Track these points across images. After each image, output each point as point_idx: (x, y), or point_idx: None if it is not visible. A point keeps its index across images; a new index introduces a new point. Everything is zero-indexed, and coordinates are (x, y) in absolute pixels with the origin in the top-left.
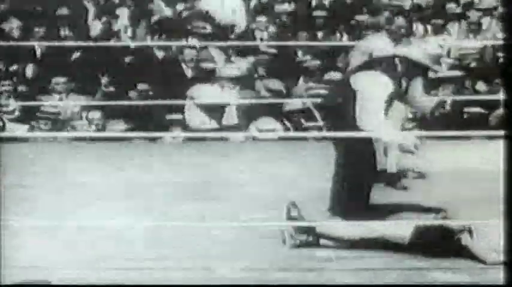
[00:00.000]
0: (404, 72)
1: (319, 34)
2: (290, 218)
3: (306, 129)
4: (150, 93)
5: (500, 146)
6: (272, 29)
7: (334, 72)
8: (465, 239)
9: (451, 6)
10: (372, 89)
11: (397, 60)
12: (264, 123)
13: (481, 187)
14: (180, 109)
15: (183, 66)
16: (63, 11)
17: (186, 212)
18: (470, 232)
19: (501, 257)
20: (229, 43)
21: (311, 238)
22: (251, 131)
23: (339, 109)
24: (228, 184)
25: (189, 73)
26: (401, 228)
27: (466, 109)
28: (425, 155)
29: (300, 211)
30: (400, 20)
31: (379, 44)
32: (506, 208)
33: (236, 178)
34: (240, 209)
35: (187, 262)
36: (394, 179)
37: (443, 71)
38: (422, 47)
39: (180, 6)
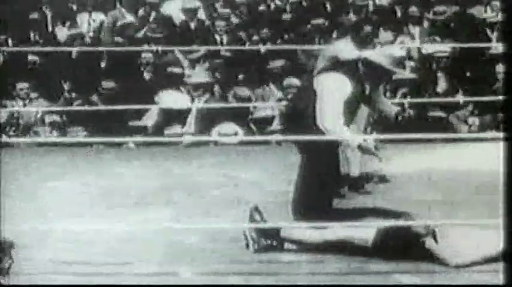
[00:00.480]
0: (368, 75)
1: (286, 37)
2: (253, 222)
3: (269, 133)
4: (113, 98)
5: (464, 148)
6: (231, 31)
7: (294, 78)
8: (429, 242)
9: (414, 10)
10: (331, 89)
11: (359, 63)
12: (225, 128)
13: (446, 189)
14: (143, 114)
15: (146, 71)
16: (34, 15)
17: (148, 217)
18: (434, 235)
19: (465, 260)
20: (191, 47)
21: (275, 242)
22: (213, 136)
23: (303, 113)
24: (190, 188)
25: (152, 78)
26: (364, 231)
27: (430, 113)
28: (391, 159)
29: (262, 215)
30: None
31: (344, 49)
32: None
33: (199, 182)
34: (202, 213)
35: (151, 267)
36: (357, 183)
37: (407, 75)
38: (386, 50)
39: (141, 12)
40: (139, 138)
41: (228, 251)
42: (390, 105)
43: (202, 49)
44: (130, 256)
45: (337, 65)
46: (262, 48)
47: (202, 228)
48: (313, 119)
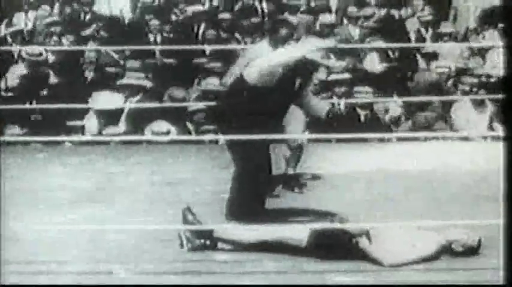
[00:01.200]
0: (296, 67)
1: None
2: (187, 222)
3: (203, 132)
4: (50, 98)
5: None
6: (167, 31)
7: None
8: (362, 242)
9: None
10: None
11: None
12: (158, 126)
13: (378, 189)
14: (79, 114)
15: (85, 71)
16: None
17: (82, 216)
18: (367, 235)
19: (399, 260)
20: (126, 47)
21: (208, 242)
22: (146, 135)
23: (234, 113)
24: (124, 187)
25: (89, 78)
26: (298, 231)
27: (361, 111)
28: (325, 158)
29: (195, 215)
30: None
31: (261, 52)
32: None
33: (133, 182)
34: (136, 212)
35: (85, 266)
36: (291, 182)
37: (335, 65)
38: (312, 42)
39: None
40: (75, 138)
41: (162, 251)
42: (321, 104)
43: (136, 48)
44: (64, 255)
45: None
46: (200, 47)
47: (135, 227)
48: (249, 122)
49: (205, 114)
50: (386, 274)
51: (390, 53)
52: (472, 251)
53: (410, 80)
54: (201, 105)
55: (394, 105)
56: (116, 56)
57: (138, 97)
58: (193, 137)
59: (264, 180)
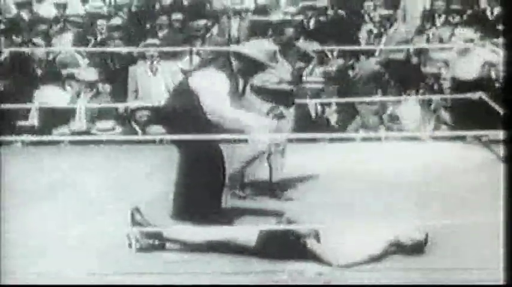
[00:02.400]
0: (241, 69)
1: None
2: (135, 222)
3: (151, 132)
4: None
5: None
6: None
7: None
8: (310, 243)
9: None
10: (212, 87)
11: (232, 57)
12: (103, 124)
13: (332, 190)
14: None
15: (35, 68)
16: None
17: (31, 216)
18: (316, 236)
19: (348, 260)
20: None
21: (157, 242)
22: (93, 133)
23: (181, 113)
24: (73, 187)
25: (39, 75)
26: (247, 232)
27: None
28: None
29: (143, 215)
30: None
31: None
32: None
33: (81, 182)
34: (85, 212)
35: (35, 267)
36: (278, 190)
37: (279, 69)
38: (258, 44)
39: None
40: (24, 137)
41: (111, 251)
42: (262, 106)
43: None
44: (13, 255)
45: (209, 60)
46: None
47: (84, 227)
48: (197, 122)
49: (148, 114)
50: (337, 274)
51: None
52: (419, 246)
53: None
54: (142, 104)
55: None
56: (69, 55)
57: (90, 95)
58: (142, 137)
59: (214, 180)
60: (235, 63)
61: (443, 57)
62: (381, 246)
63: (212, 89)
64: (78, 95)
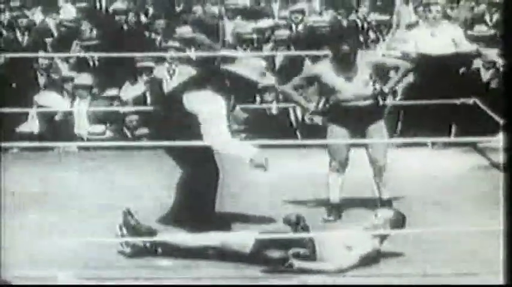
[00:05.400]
0: (234, 88)
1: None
2: (126, 224)
3: (139, 137)
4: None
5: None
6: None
7: None
8: (297, 263)
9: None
10: (209, 109)
11: (225, 76)
12: (94, 128)
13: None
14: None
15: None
16: None
17: (26, 221)
18: (311, 242)
19: (342, 264)
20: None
21: (148, 245)
22: (83, 136)
23: (170, 119)
24: (67, 193)
25: (41, 82)
26: (243, 238)
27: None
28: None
29: (136, 219)
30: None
31: None
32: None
33: (75, 187)
34: (78, 218)
35: (30, 271)
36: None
37: (270, 82)
38: (248, 62)
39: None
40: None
41: (103, 256)
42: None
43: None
44: (7, 260)
45: (202, 80)
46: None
47: (78, 233)
48: (187, 131)
49: (138, 118)
50: (332, 280)
51: None
52: (399, 224)
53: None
54: (132, 108)
55: None
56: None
57: (87, 100)
58: (135, 143)
59: (213, 184)
60: (228, 82)
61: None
62: (367, 244)
63: (211, 115)
64: (74, 99)
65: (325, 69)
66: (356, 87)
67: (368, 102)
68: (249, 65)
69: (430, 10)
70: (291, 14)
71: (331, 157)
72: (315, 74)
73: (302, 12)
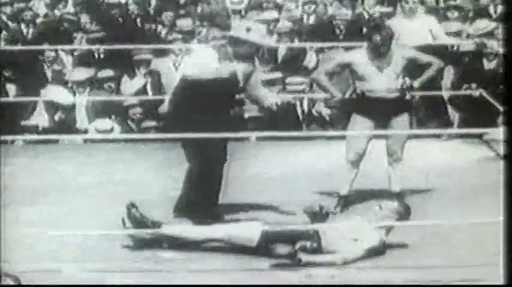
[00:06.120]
0: (237, 52)
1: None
2: (130, 217)
3: (144, 129)
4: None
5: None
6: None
7: None
8: (305, 257)
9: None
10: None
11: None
12: (101, 124)
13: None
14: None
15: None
16: None
17: (29, 215)
18: (317, 234)
19: (348, 257)
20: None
21: (152, 237)
22: (90, 132)
23: (181, 109)
24: (71, 186)
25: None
26: (250, 231)
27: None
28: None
29: (140, 211)
30: None
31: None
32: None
33: (79, 180)
34: (83, 211)
35: (34, 264)
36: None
37: (277, 45)
38: (246, 25)
39: None
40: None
41: (108, 249)
42: (265, 94)
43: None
44: (10, 254)
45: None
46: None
47: (83, 226)
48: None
49: (142, 110)
50: (339, 272)
51: None
52: (404, 216)
53: None
54: (135, 100)
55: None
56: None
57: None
58: (141, 136)
59: (218, 175)
60: (230, 49)
61: None
62: (374, 236)
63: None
64: (75, 92)
65: (359, 58)
66: (386, 79)
67: (394, 95)
68: (248, 27)
69: (406, 1)
70: (303, 6)
71: (348, 147)
72: (347, 62)
73: (315, 3)
